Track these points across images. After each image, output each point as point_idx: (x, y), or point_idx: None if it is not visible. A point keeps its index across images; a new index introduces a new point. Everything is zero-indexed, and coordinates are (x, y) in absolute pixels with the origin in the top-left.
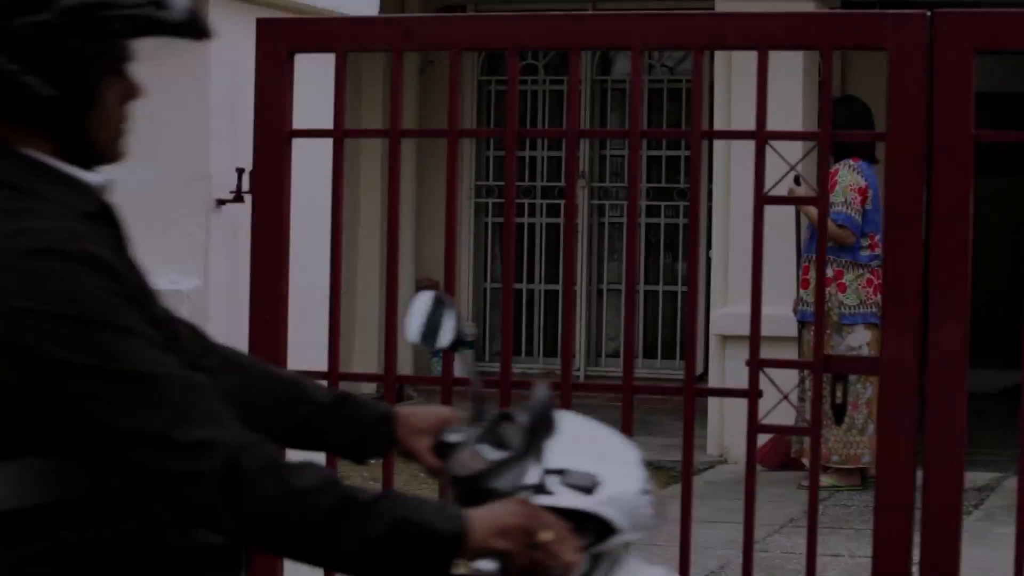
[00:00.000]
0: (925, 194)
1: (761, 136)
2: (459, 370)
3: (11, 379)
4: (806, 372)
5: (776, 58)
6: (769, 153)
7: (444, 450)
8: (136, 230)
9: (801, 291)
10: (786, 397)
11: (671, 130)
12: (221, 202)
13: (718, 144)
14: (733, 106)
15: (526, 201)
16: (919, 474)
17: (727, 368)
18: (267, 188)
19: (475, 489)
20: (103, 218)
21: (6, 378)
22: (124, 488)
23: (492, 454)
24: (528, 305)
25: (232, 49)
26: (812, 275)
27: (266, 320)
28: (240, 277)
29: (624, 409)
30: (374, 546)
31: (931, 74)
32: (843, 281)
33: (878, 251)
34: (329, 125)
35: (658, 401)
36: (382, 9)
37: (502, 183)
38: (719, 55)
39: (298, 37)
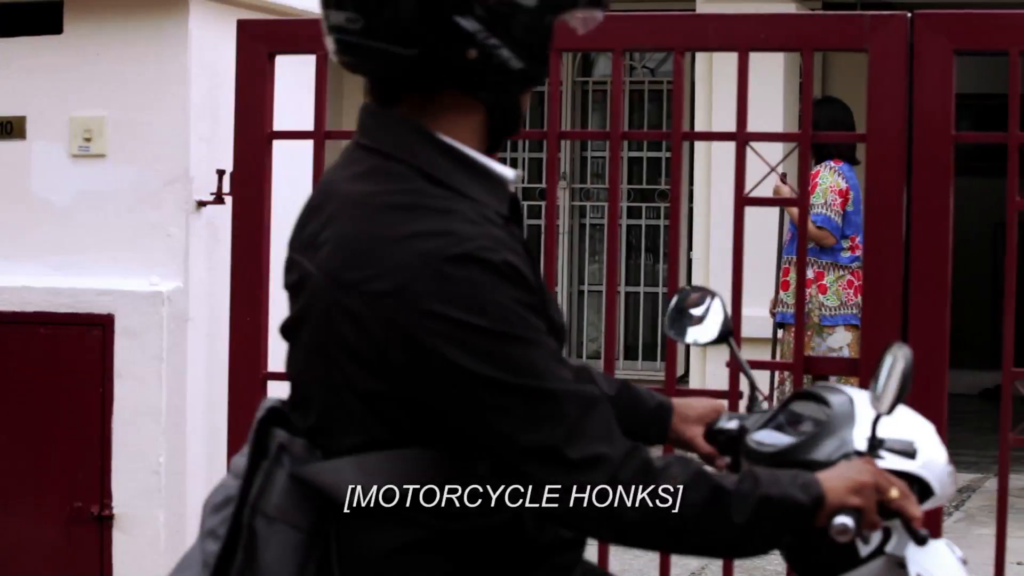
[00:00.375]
0: (905, 195)
1: (741, 137)
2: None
3: (415, 376)
4: (787, 373)
5: (757, 59)
6: (750, 154)
7: (716, 437)
8: (117, 231)
9: (781, 292)
10: (767, 398)
11: (652, 131)
12: (201, 204)
13: (699, 145)
14: (714, 107)
15: None
16: None
17: (707, 369)
18: (247, 190)
19: (783, 465)
20: (514, 218)
21: (409, 374)
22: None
23: (775, 437)
24: None
25: (212, 50)
26: (792, 276)
27: (246, 322)
28: (220, 279)
29: None
30: (742, 529)
31: (911, 75)
32: (824, 283)
33: (859, 253)
34: (310, 127)
35: None
36: None
37: None
38: (700, 56)
39: (278, 39)
